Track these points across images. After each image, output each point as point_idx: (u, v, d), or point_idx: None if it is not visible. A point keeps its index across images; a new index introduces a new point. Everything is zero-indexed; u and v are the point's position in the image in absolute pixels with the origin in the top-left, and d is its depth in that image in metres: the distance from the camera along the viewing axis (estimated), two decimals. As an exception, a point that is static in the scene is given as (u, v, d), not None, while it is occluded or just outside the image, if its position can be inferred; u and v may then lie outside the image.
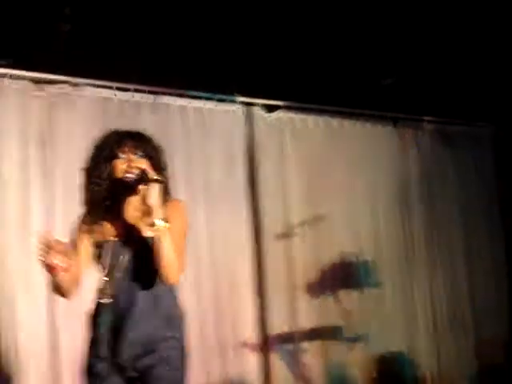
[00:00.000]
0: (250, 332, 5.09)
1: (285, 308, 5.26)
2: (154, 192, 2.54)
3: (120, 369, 2.61)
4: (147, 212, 2.54)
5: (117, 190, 2.66)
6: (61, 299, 2.82)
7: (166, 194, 2.68)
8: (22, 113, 4.43)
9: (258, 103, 5.39)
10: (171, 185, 2.81)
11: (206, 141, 5.13)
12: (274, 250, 5.26)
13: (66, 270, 2.47)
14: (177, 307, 2.75)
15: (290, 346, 5.26)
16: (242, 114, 5.32)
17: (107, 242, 2.69)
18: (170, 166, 4.71)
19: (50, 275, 2.50)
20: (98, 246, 2.71)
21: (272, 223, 5.30)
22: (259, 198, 5.28)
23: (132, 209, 2.68)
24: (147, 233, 2.58)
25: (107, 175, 2.66)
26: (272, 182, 5.34)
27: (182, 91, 5.08)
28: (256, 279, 5.18)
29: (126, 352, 2.58)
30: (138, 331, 2.59)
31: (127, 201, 2.68)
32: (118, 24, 4.51)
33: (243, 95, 5.31)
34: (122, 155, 2.66)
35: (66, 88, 4.61)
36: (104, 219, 2.71)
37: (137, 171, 2.60)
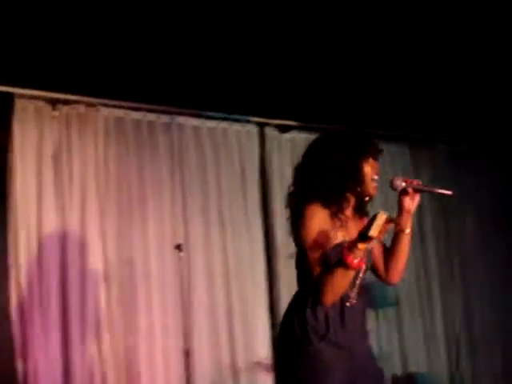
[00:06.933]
0: (263, 352, 5.06)
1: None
2: (416, 201, 2.79)
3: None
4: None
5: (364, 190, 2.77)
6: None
7: None
8: (40, 132, 4.49)
9: (271, 123, 5.40)
10: None
11: (220, 161, 5.16)
12: (287, 270, 5.25)
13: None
14: None
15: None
16: (255, 135, 5.34)
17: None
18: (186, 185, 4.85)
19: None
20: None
21: (285, 244, 5.28)
22: (273, 218, 5.28)
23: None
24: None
25: (356, 172, 2.73)
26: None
27: (196, 111, 5.11)
28: (270, 299, 5.18)
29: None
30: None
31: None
32: (131, 44, 4.55)
33: (257, 115, 5.33)
34: (371, 159, 2.77)
35: (81, 108, 4.65)
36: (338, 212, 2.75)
37: (397, 179, 2.79)
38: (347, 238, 2.68)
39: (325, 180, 2.72)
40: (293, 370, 2.68)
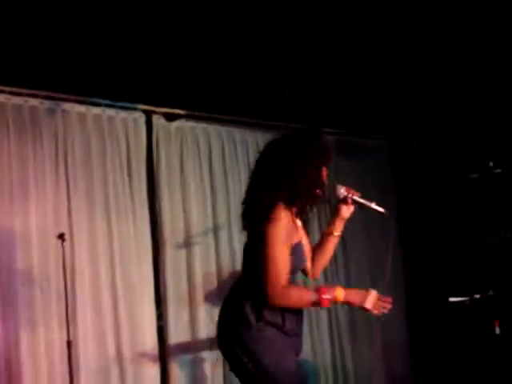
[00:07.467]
0: (149, 342, 5.03)
1: (184, 317, 5.24)
2: (351, 210, 3.20)
3: None
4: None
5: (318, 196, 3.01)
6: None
7: None
8: None
9: (159, 111, 5.36)
10: None
11: (106, 149, 5.06)
12: (173, 260, 5.24)
13: None
14: None
15: (189, 356, 5.24)
16: (142, 123, 5.28)
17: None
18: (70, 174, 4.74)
19: None
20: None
21: (172, 233, 5.27)
22: (160, 207, 5.25)
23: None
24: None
25: (318, 178, 2.99)
26: (172, 190, 5.32)
27: (81, 97, 4.99)
28: (156, 289, 5.15)
29: None
30: None
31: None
32: (12, 27, 4.38)
33: (144, 103, 5.27)
34: (325, 166, 3.04)
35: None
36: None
37: (340, 188, 3.17)
38: (300, 238, 3.01)
39: (293, 183, 2.89)
40: (260, 361, 2.88)
